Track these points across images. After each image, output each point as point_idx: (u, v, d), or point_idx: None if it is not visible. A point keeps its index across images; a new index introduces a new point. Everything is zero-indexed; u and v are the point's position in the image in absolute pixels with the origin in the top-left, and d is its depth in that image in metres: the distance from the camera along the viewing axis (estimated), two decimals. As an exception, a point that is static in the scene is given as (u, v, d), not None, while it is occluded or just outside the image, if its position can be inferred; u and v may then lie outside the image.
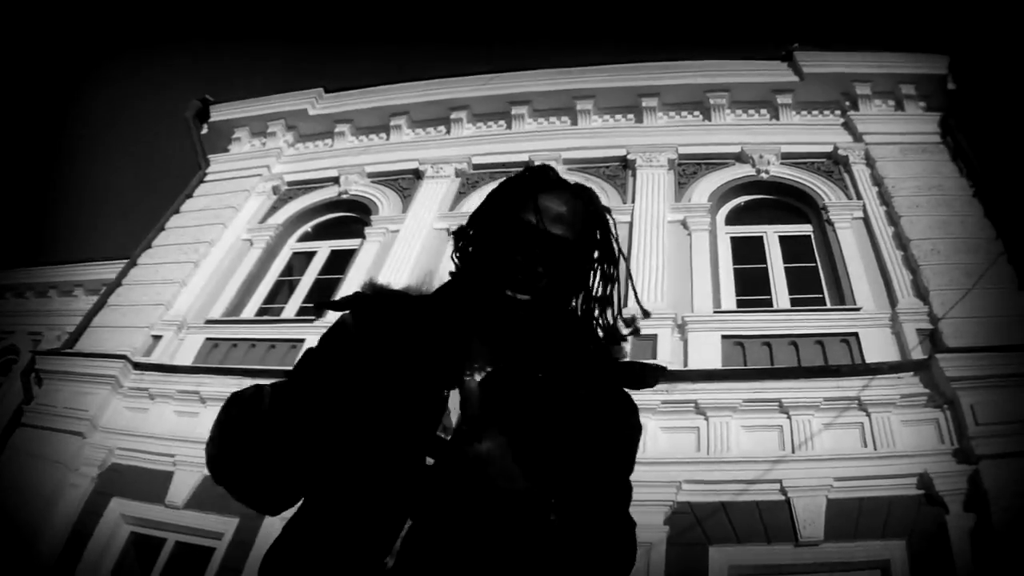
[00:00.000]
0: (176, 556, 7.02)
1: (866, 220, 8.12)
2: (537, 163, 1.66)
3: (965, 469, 5.73)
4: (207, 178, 11.12)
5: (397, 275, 8.47)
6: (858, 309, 7.16)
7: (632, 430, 1.59)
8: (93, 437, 7.75)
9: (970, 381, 6.07)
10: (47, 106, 38.71)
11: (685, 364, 6.91)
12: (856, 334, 6.91)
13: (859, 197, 8.39)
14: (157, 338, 8.70)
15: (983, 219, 7.64)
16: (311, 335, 8.13)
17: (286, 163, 11.06)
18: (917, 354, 6.53)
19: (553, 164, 7.17)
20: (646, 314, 1.62)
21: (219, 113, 11.46)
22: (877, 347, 6.76)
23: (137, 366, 8.21)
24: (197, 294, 9.28)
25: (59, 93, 38.20)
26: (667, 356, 7.01)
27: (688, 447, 6.33)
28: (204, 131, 11.46)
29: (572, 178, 1.91)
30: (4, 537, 7.02)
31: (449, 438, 1.33)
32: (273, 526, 6.53)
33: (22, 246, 39.89)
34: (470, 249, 1.56)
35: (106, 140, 43.42)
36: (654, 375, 1.54)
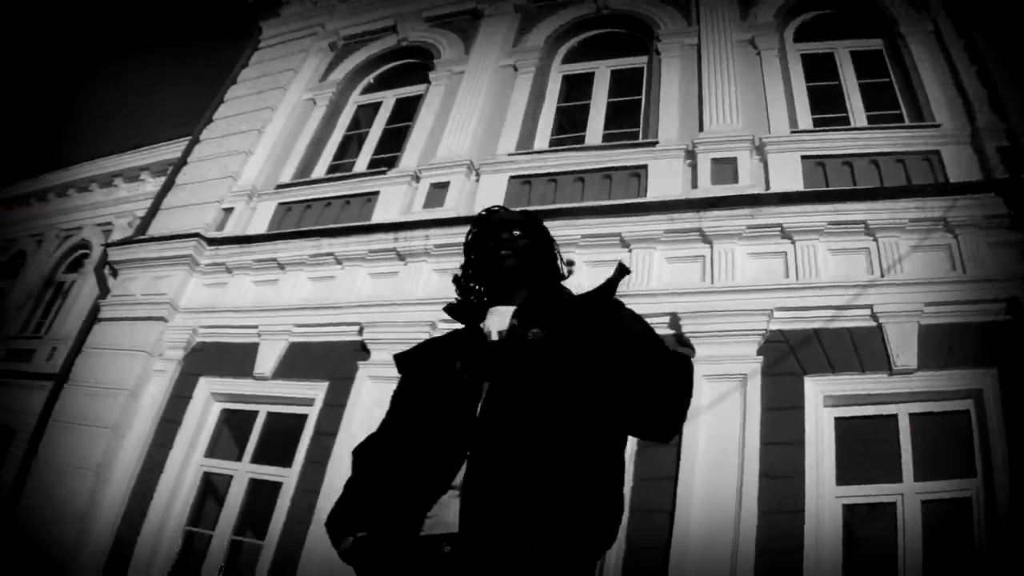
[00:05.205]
0: (268, 427, 6.97)
1: (937, 33, 7.39)
2: None
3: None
4: (260, 45, 10.64)
5: (466, 115, 8.29)
6: (938, 126, 6.60)
7: (620, 308, 2.01)
8: (175, 320, 7.63)
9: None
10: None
11: (767, 187, 6.52)
12: (938, 152, 6.38)
13: (928, 9, 7.60)
14: (229, 211, 8.49)
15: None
16: (384, 187, 7.91)
17: (340, 18, 10.48)
18: (1000, 173, 6.05)
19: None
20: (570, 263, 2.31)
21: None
22: (959, 166, 6.25)
23: (211, 241, 8.02)
24: (264, 161, 8.99)
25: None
26: (747, 179, 6.62)
27: (776, 273, 6.00)
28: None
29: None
30: (89, 433, 7.02)
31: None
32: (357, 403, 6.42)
33: (75, 141, 40.27)
34: (469, 273, 2.26)
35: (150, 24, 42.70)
36: (617, 273, 2.00)
